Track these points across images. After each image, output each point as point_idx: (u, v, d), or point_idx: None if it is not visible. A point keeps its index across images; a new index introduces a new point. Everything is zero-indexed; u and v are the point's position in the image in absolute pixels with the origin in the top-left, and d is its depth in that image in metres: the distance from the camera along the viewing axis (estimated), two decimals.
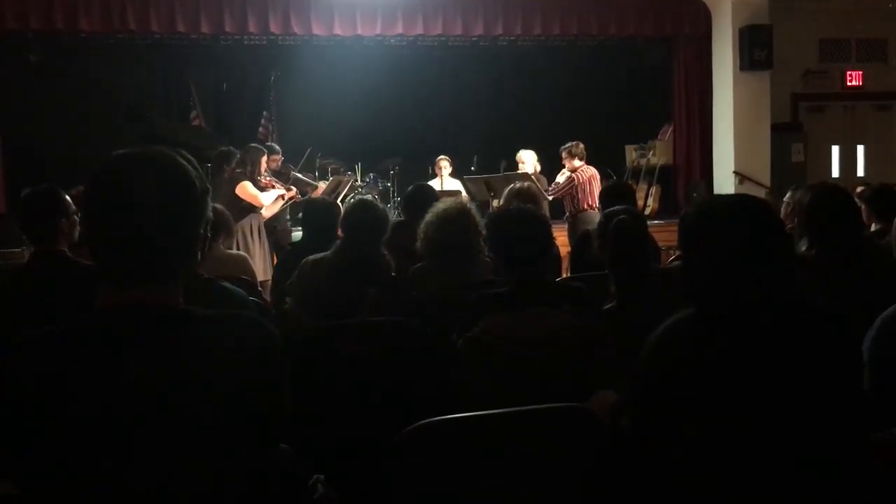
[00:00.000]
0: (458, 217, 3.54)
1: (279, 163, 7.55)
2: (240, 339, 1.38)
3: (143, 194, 1.33)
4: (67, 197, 3.02)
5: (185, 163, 1.41)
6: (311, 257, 3.41)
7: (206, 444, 1.31)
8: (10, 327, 2.78)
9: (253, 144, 6.93)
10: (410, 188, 4.87)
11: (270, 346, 1.40)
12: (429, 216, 3.60)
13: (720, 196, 1.79)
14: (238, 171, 6.31)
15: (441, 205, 3.65)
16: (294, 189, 6.93)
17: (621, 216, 2.82)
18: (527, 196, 4.43)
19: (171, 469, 1.30)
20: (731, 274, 1.58)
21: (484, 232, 3.68)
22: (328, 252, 3.38)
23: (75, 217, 2.94)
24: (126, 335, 1.32)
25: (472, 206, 3.76)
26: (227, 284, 2.57)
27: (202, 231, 1.44)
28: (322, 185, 8.01)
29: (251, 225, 6.19)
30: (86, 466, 1.30)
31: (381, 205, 3.71)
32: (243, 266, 4.22)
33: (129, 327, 1.33)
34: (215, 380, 1.33)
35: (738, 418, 1.54)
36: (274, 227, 6.78)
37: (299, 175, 7.79)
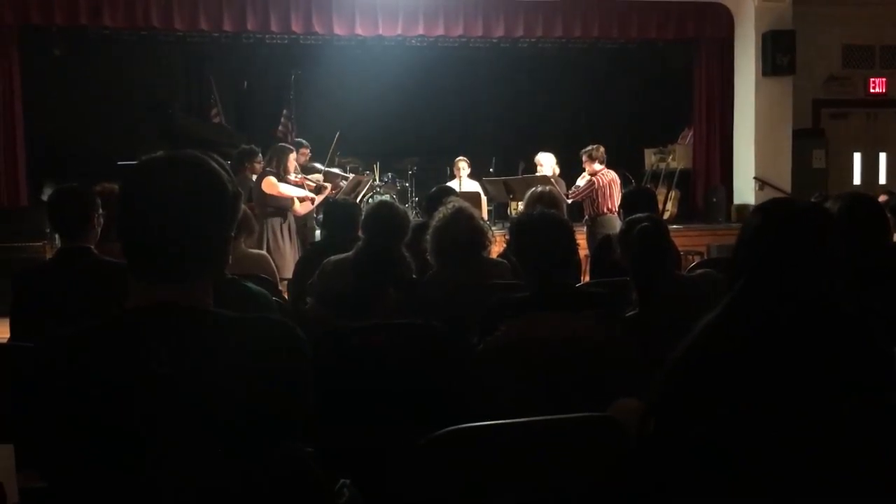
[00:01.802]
0: (450, 222, 3.58)
1: (308, 157, 7.57)
2: (266, 342, 1.39)
3: (177, 196, 1.36)
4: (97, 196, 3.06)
5: (217, 166, 1.43)
6: (333, 258, 3.44)
7: (231, 445, 1.33)
8: (37, 321, 2.82)
9: (281, 143, 6.96)
10: (433, 190, 4.89)
11: (296, 350, 1.42)
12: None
13: (783, 199, 1.82)
14: (267, 168, 6.34)
15: (438, 213, 3.70)
16: (329, 186, 6.93)
17: (644, 223, 2.81)
18: (549, 200, 4.43)
19: (195, 468, 1.32)
20: (787, 276, 1.58)
21: (485, 228, 3.74)
22: (349, 253, 3.40)
23: (101, 217, 2.98)
24: (155, 335, 1.34)
25: (465, 205, 3.79)
26: (250, 285, 2.58)
27: (233, 233, 1.46)
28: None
29: (280, 223, 6.20)
30: (110, 462, 1.32)
31: (401, 206, 3.73)
32: (263, 265, 4.25)
33: (158, 327, 1.35)
34: (241, 381, 1.34)
35: (769, 422, 1.54)
36: (304, 225, 6.79)
37: (329, 169, 7.81)
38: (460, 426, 1.59)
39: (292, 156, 6.53)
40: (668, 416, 1.67)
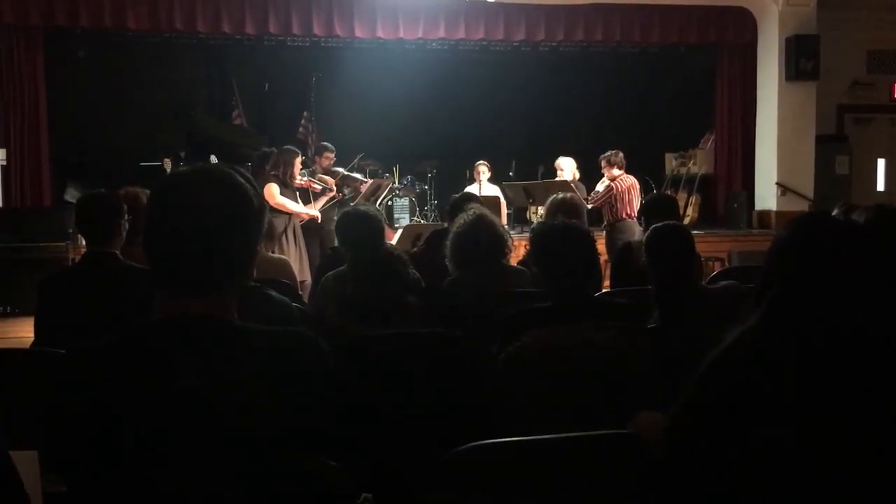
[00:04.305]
0: (471, 228, 3.58)
1: (332, 161, 7.59)
2: (291, 356, 1.40)
3: (204, 211, 1.37)
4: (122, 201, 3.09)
5: (243, 180, 1.44)
6: (330, 274, 3.45)
7: (255, 459, 1.33)
8: (63, 325, 2.85)
9: (287, 146, 6.96)
10: (455, 196, 4.90)
11: (321, 364, 1.43)
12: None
13: (814, 215, 1.77)
14: (272, 172, 6.37)
15: (458, 219, 3.70)
16: (333, 190, 6.95)
17: (670, 231, 2.79)
18: (570, 208, 4.42)
19: (219, 481, 1.32)
20: (819, 294, 1.56)
21: (505, 236, 3.74)
22: (343, 267, 3.41)
23: (126, 222, 3.02)
24: (182, 347, 1.35)
25: (486, 212, 3.79)
26: (272, 293, 2.60)
27: (259, 246, 1.48)
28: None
29: (285, 225, 6.24)
30: (134, 473, 1.33)
31: (361, 207, 3.76)
32: (284, 270, 4.27)
33: (184, 340, 1.36)
34: (266, 395, 1.35)
35: (798, 443, 1.52)
36: (321, 227, 6.80)
37: (348, 173, 7.83)
38: (482, 442, 1.58)
39: (298, 160, 6.55)
40: (693, 432, 1.66)
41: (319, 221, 6.73)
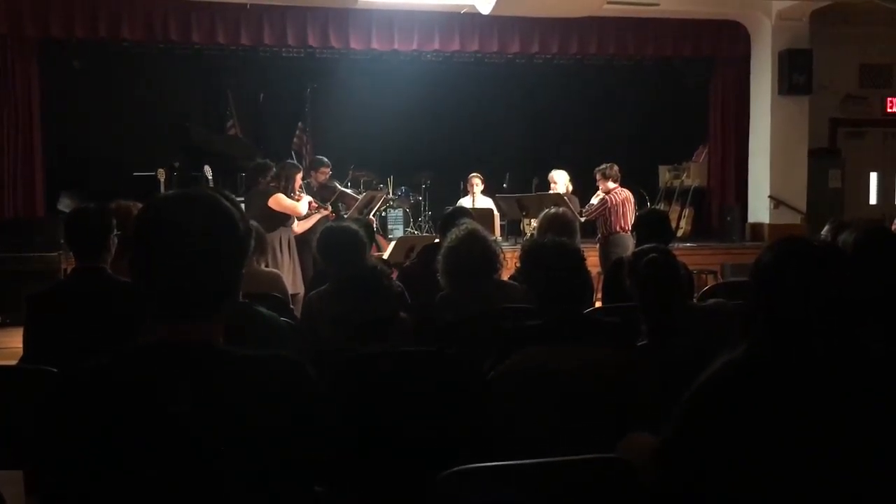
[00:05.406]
0: (463, 243, 3.59)
1: (328, 175, 7.62)
2: (277, 382, 1.40)
3: (191, 236, 1.38)
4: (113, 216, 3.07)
5: (228, 204, 1.45)
6: (314, 293, 3.43)
7: (238, 486, 1.33)
8: (51, 342, 2.84)
9: (289, 161, 7.00)
10: (448, 210, 4.90)
11: (308, 390, 1.43)
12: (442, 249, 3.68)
13: (796, 241, 1.79)
14: (272, 185, 6.39)
15: (451, 234, 3.71)
16: (329, 209, 6.99)
17: (651, 255, 2.79)
18: (562, 223, 4.43)
19: None
20: (808, 319, 1.57)
21: (497, 251, 3.75)
22: (325, 286, 3.39)
23: (116, 237, 3.00)
24: (169, 373, 1.36)
25: (479, 227, 3.80)
26: (261, 309, 2.59)
27: (243, 270, 1.48)
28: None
29: (281, 238, 6.25)
30: (121, 496, 1.33)
31: (342, 223, 3.75)
32: (276, 283, 4.26)
33: (171, 364, 1.37)
34: (252, 422, 1.35)
35: (787, 466, 1.53)
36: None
37: (345, 189, 7.86)
38: (470, 466, 1.58)
39: (299, 175, 6.60)
40: (683, 456, 1.66)
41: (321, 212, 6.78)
